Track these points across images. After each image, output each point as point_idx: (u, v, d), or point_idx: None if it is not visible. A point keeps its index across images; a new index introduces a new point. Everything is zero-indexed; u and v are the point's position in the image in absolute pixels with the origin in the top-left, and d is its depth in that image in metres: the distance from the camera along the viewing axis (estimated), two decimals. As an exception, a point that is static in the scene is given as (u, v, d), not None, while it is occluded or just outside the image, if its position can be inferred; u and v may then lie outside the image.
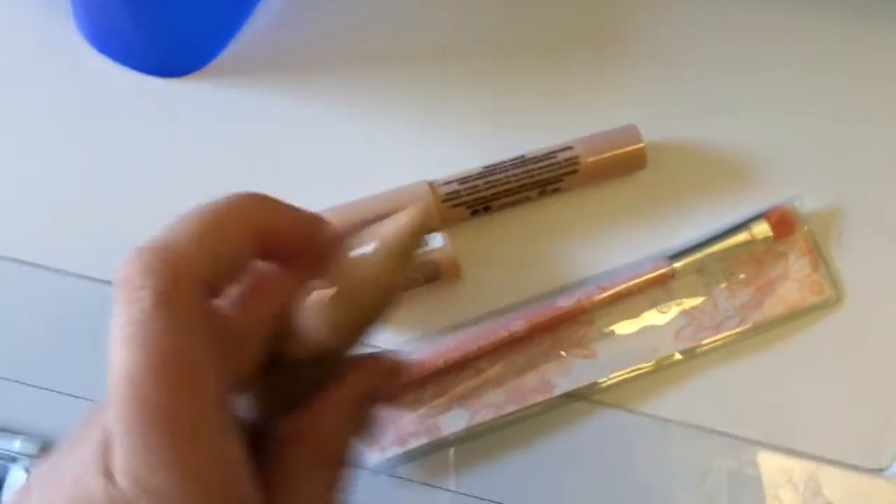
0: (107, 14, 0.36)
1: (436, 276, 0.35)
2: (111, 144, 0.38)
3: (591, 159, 0.36)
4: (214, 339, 0.20)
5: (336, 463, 0.24)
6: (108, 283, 0.37)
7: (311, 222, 0.24)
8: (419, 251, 0.25)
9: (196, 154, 0.38)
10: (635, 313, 0.36)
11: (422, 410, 0.34)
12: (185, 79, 0.39)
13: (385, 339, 0.35)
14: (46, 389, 0.35)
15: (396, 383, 0.27)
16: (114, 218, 0.37)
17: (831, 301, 0.36)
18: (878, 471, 0.34)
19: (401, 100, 0.39)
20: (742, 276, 0.36)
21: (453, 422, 0.34)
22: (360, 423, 0.25)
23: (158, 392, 0.18)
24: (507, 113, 0.38)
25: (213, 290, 0.21)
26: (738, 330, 0.35)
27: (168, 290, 0.19)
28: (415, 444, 0.34)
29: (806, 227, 0.36)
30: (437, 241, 0.35)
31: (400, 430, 0.34)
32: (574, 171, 0.36)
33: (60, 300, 0.37)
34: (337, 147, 0.38)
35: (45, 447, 0.34)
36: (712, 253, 0.35)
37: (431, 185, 0.36)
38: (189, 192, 0.37)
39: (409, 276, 0.34)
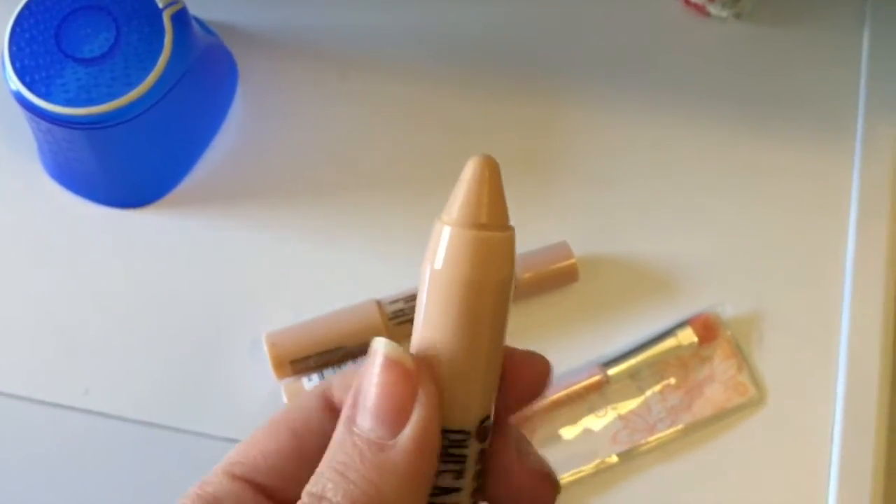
0: (70, 155, 0.39)
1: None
2: (73, 272, 0.40)
3: (526, 275, 0.39)
4: None
5: None
6: (67, 407, 0.38)
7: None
8: None
9: (154, 280, 0.40)
10: (574, 419, 0.38)
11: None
12: (143, 210, 0.41)
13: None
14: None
15: None
16: (75, 343, 0.39)
17: (755, 400, 0.38)
18: (809, 562, 0.36)
19: (347, 224, 0.41)
20: (672, 379, 0.38)
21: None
22: None
23: None
24: (448, 233, 0.41)
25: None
26: (670, 431, 0.37)
27: None
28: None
29: (728, 332, 0.39)
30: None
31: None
32: (511, 287, 0.38)
33: (19, 428, 0.38)
34: (289, 271, 0.40)
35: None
36: (643, 359, 0.38)
37: (379, 304, 0.38)
38: (147, 317, 0.39)
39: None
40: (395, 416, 0.19)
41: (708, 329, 0.39)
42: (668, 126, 0.43)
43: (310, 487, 0.19)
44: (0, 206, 0.42)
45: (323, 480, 0.19)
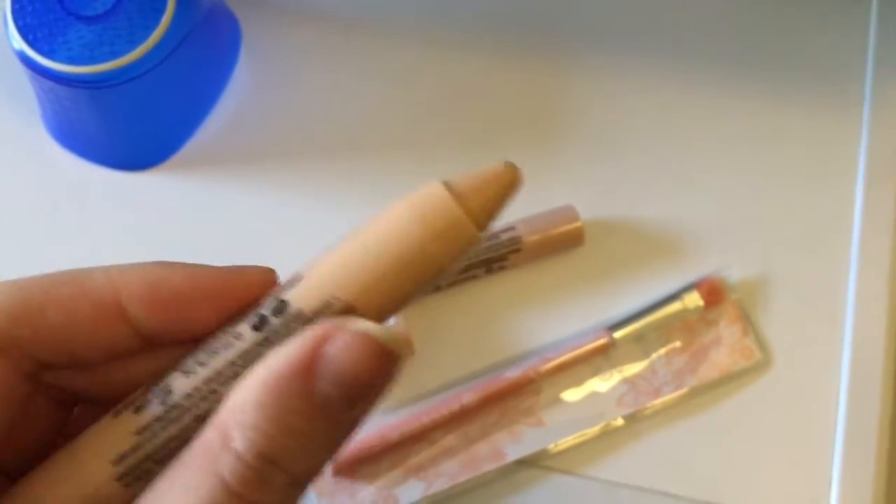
0: (73, 115, 0.39)
1: (390, 352, 0.37)
2: (77, 235, 0.40)
3: (532, 238, 0.38)
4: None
5: None
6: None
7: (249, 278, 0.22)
8: None
9: (158, 243, 0.40)
10: (579, 382, 0.38)
11: (379, 483, 0.36)
12: (148, 172, 0.41)
13: (343, 415, 0.37)
14: None
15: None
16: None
17: (760, 364, 0.38)
18: (813, 524, 0.36)
19: (352, 187, 0.41)
20: (678, 343, 0.38)
21: (410, 492, 0.36)
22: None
23: None
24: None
25: (42, 362, 0.21)
26: (675, 394, 0.37)
27: None
28: (374, 515, 0.35)
29: (734, 296, 0.39)
30: (390, 320, 0.37)
31: (358, 502, 0.36)
32: (517, 250, 0.38)
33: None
34: (296, 234, 0.40)
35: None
36: (649, 323, 0.38)
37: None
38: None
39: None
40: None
41: (714, 293, 0.38)
42: (674, 91, 0.43)
43: (253, 444, 0.18)
44: (4, 168, 0.42)
45: (272, 440, 0.18)
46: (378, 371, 0.19)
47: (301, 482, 0.19)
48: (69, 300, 0.20)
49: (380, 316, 0.21)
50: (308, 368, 0.18)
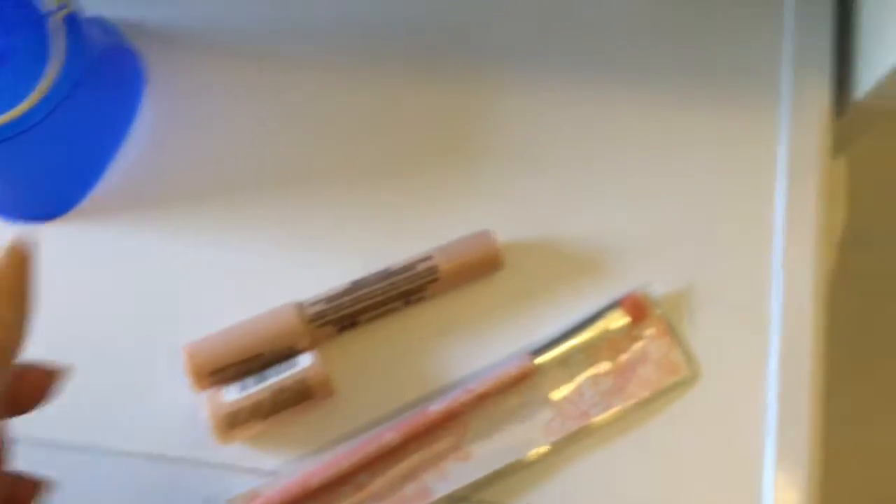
0: (-35, 172, 0.37)
1: (308, 395, 0.36)
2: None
3: (449, 267, 0.38)
4: None
5: None
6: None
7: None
8: None
9: (66, 295, 0.39)
10: (505, 411, 0.37)
11: (304, 531, 0.35)
12: (52, 223, 0.40)
13: (263, 462, 0.36)
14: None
15: None
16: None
17: (689, 379, 0.37)
18: (750, 539, 0.36)
19: (266, 225, 0.40)
20: (604, 363, 0.38)
21: (337, 538, 0.35)
22: None
23: None
24: (370, 229, 0.40)
25: None
26: (603, 416, 0.37)
27: None
28: (301, 565, 0.35)
29: (659, 311, 0.38)
30: (306, 360, 0.36)
31: (283, 553, 0.35)
32: (435, 280, 0.37)
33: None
34: (207, 278, 0.39)
35: None
36: (573, 345, 0.37)
37: (300, 306, 0.37)
38: (59, 334, 0.38)
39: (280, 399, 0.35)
40: None
41: (638, 308, 0.38)
42: (590, 105, 0.42)
43: None
44: None
45: None
46: None
47: None
48: None
49: None
50: None
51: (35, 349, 0.38)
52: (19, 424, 0.29)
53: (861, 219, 0.49)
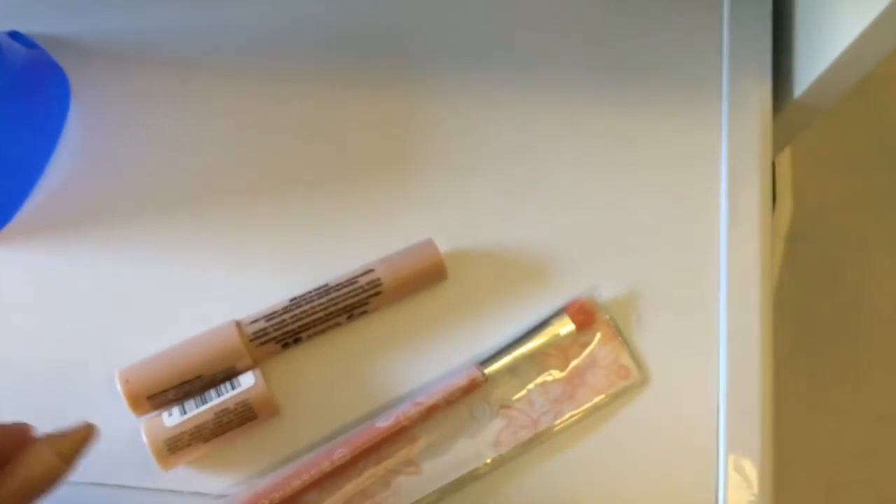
0: None
1: (252, 415, 0.35)
2: None
3: (392, 279, 0.37)
4: None
5: None
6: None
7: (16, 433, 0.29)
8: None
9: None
10: (455, 423, 0.36)
11: (252, 556, 0.34)
12: (-22, 246, 0.38)
13: (209, 485, 0.35)
14: None
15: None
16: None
17: (638, 382, 0.37)
18: (703, 541, 0.36)
19: (203, 241, 0.39)
20: (553, 370, 0.37)
21: (287, 562, 0.34)
22: None
23: None
24: (309, 241, 0.39)
25: None
26: (554, 423, 0.36)
27: None
28: (249, 592, 0.33)
29: (606, 315, 0.38)
30: (248, 380, 0.35)
31: (231, 581, 0.34)
32: (378, 293, 0.37)
33: None
34: (142, 297, 0.38)
35: None
36: (521, 353, 0.37)
37: (239, 324, 0.36)
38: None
39: (222, 421, 0.34)
40: None
41: (585, 314, 0.37)
42: (528, 106, 0.42)
43: None
44: None
45: None
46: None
47: None
48: None
49: None
50: None
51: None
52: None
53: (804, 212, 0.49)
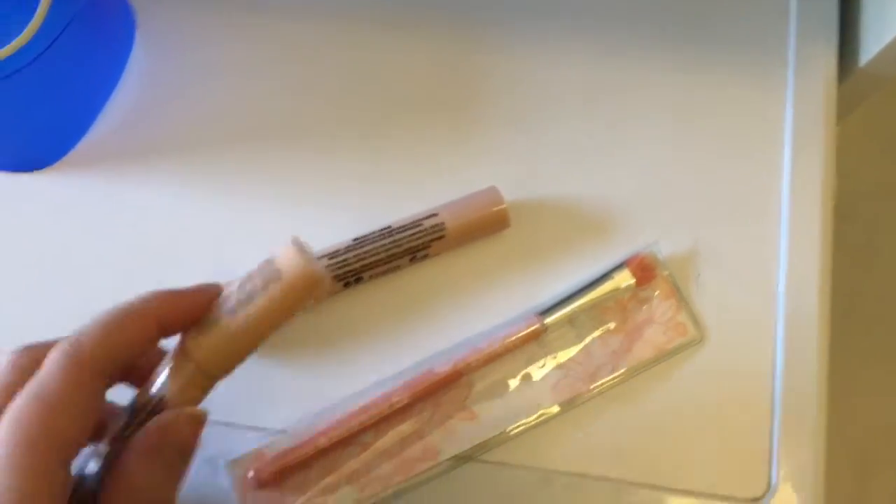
0: (-50, 116, 0.35)
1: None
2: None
3: (456, 224, 0.37)
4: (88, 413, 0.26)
5: None
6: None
7: (205, 294, 0.29)
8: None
9: (54, 249, 0.37)
10: (512, 371, 0.36)
11: (309, 492, 0.34)
12: (40, 173, 0.38)
13: (266, 420, 0.35)
14: None
15: (195, 432, 0.29)
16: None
17: (695, 340, 0.37)
18: (755, 499, 0.36)
19: (263, 180, 0.39)
20: (611, 324, 0.37)
21: (342, 499, 0.34)
22: (168, 469, 0.28)
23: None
24: (373, 184, 0.39)
25: (114, 373, 0.27)
26: (611, 377, 0.36)
27: (70, 376, 0.26)
28: (304, 526, 0.34)
29: (666, 272, 0.38)
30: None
31: (287, 514, 0.34)
32: (441, 237, 0.37)
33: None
34: (202, 229, 0.38)
35: None
36: (580, 305, 0.37)
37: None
38: (47, 289, 0.36)
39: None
40: None
41: (645, 269, 0.37)
42: (595, 63, 0.42)
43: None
44: None
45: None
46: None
47: None
48: (128, 329, 0.28)
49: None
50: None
51: (17, 305, 0.36)
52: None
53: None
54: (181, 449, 0.28)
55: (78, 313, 0.36)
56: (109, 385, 0.28)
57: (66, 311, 0.36)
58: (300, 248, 0.28)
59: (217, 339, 0.28)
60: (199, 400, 0.29)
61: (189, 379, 0.28)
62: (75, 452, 0.26)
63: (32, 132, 0.38)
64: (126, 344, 0.27)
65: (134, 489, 0.26)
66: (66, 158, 0.38)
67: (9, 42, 0.33)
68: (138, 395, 0.29)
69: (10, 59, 0.33)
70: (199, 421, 0.28)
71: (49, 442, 0.25)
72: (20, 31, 0.34)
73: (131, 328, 0.28)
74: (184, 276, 0.36)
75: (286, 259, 0.28)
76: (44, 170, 0.38)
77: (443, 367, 0.35)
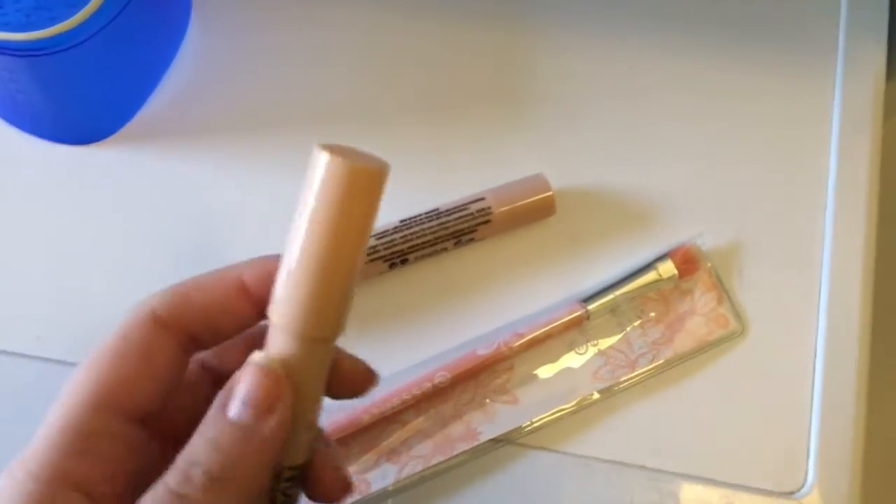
0: (12, 87, 0.36)
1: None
2: (22, 214, 0.38)
3: (502, 209, 0.37)
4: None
5: None
6: (18, 355, 0.36)
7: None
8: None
9: (108, 221, 0.38)
10: (553, 356, 0.37)
11: (350, 468, 0.35)
12: (97, 145, 0.39)
13: (310, 397, 0.36)
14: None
15: None
16: (26, 289, 0.37)
17: (736, 333, 0.37)
18: (790, 493, 0.36)
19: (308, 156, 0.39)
20: (653, 314, 0.37)
21: (382, 476, 0.35)
22: None
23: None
24: (420, 167, 0.39)
25: (194, 330, 0.26)
26: (651, 366, 0.37)
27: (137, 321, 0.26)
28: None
29: (709, 264, 0.38)
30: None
31: (329, 487, 0.34)
32: (487, 221, 0.37)
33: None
34: (252, 207, 0.38)
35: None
36: (623, 293, 0.37)
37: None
38: (101, 260, 0.37)
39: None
40: (264, 408, 0.24)
41: (688, 261, 0.37)
42: (642, 53, 0.42)
43: (184, 455, 0.24)
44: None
45: (196, 449, 0.23)
46: (266, 387, 0.24)
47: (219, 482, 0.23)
48: (208, 285, 0.27)
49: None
50: (223, 403, 0.24)
51: (72, 276, 0.37)
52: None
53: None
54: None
55: (132, 281, 0.37)
56: (191, 345, 0.27)
57: (119, 279, 0.37)
58: (332, 151, 0.25)
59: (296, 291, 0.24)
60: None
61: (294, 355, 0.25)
62: (142, 405, 0.25)
63: (90, 105, 0.39)
64: (202, 302, 0.26)
65: None
66: (122, 131, 0.39)
67: (70, 16, 0.34)
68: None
69: (72, 31, 0.34)
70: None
71: (108, 388, 0.25)
72: (79, 8, 0.34)
73: (208, 286, 0.26)
74: (233, 252, 0.37)
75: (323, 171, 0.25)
76: (101, 142, 0.39)
77: (486, 350, 0.36)
